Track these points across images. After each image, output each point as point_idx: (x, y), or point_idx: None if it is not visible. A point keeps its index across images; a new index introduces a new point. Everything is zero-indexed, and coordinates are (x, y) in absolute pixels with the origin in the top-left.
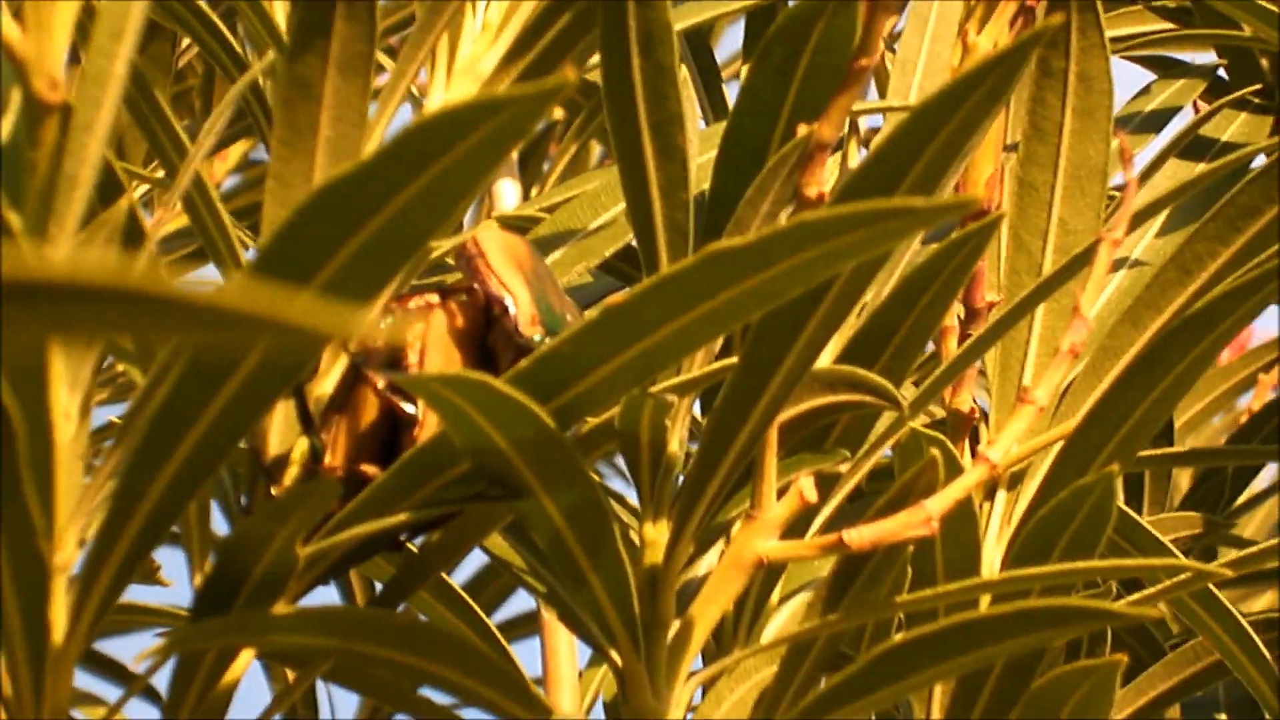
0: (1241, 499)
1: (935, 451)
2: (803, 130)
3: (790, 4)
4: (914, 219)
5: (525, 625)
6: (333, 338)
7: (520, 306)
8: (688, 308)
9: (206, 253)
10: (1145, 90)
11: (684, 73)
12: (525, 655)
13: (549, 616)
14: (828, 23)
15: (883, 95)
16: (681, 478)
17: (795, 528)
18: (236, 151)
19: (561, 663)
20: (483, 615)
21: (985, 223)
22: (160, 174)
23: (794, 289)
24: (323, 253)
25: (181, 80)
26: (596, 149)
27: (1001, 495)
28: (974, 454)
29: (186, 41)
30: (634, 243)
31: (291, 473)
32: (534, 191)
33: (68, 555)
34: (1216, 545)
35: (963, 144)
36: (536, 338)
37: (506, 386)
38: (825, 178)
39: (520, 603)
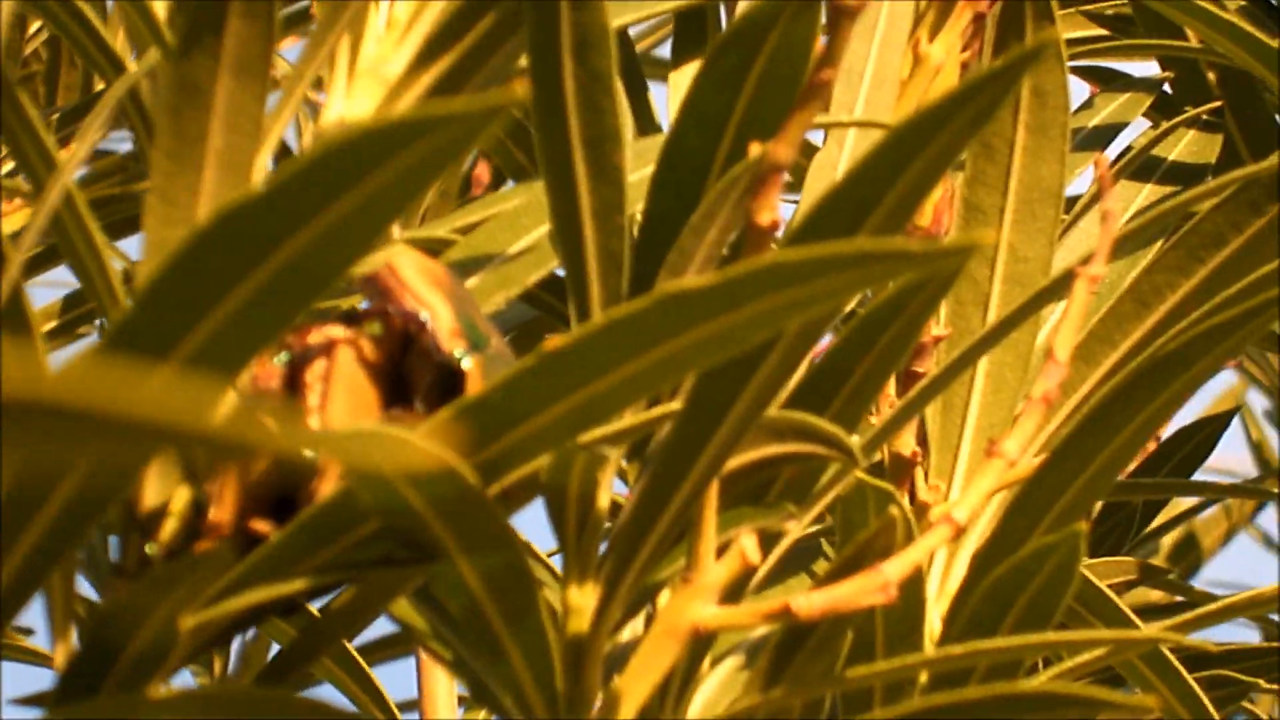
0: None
1: (895, 511)
2: (755, 149)
3: (723, 6)
4: (906, 263)
5: (398, 645)
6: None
7: (440, 320)
8: (638, 354)
9: (73, 269)
10: (1088, 104)
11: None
12: (399, 676)
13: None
14: (785, 29)
15: (825, 108)
16: (608, 527)
17: (732, 586)
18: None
19: (440, 708)
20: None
21: (954, 252)
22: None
23: (755, 336)
24: (222, 286)
25: (25, 66)
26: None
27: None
28: (912, 499)
29: (35, 27)
30: (559, 270)
31: (170, 527)
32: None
33: None
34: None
35: (939, 173)
36: (458, 353)
37: (425, 442)
38: (778, 204)
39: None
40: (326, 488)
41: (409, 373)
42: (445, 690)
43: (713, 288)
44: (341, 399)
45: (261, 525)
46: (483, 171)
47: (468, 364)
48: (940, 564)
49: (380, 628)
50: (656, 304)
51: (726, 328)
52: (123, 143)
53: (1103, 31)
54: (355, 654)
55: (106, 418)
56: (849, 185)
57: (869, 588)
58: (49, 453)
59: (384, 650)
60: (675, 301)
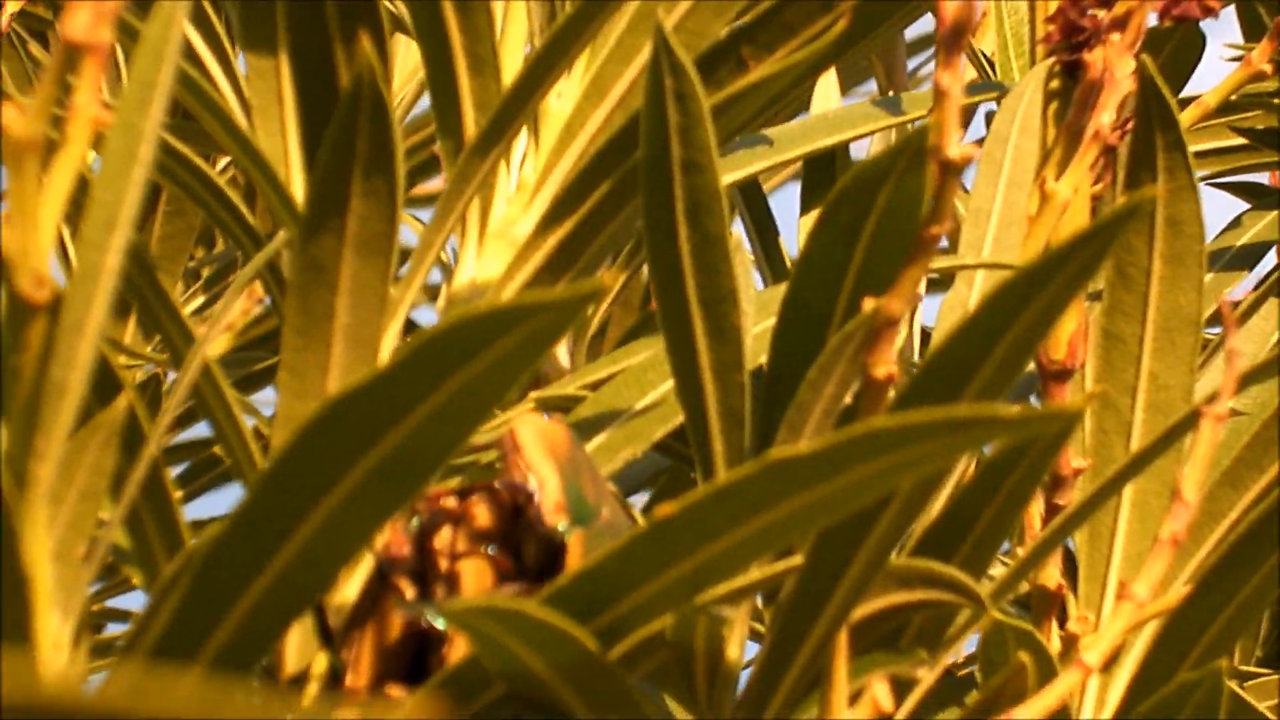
0: None
1: (1025, 657)
2: (869, 305)
3: (851, 154)
4: (998, 429)
5: None
6: None
7: (546, 493)
8: (745, 520)
9: (213, 432)
10: (1235, 223)
11: (737, 232)
12: None
13: None
14: (895, 185)
15: (954, 247)
16: (743, 677)
17: None
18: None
19: None
20: None
21: (1048, 418)
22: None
23: (860, 500)
24: (336, 470)
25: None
26: None
27: (1094, 679)
28: (1061, 625)
29: (222, 163)
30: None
31: (310, 693)
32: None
33: None
34: None
35: (1046, 328)
36: (561, 526)
37: (544, 611)
38: (894, 357)
39: None
40: (457, 652)
41: (519, 543)
42: None
43: (815, 455)
44: (468, 565)
45: (396, 690)
46: None
47: (570, 539)
48: (1094, 693)
49: None
50: (759, 472)
51: (831, 493)
52: None
53: (1241, 140)
54: None
55: None
56: (954, 345)
57: None
58: None
59: None
60: (779, 469)
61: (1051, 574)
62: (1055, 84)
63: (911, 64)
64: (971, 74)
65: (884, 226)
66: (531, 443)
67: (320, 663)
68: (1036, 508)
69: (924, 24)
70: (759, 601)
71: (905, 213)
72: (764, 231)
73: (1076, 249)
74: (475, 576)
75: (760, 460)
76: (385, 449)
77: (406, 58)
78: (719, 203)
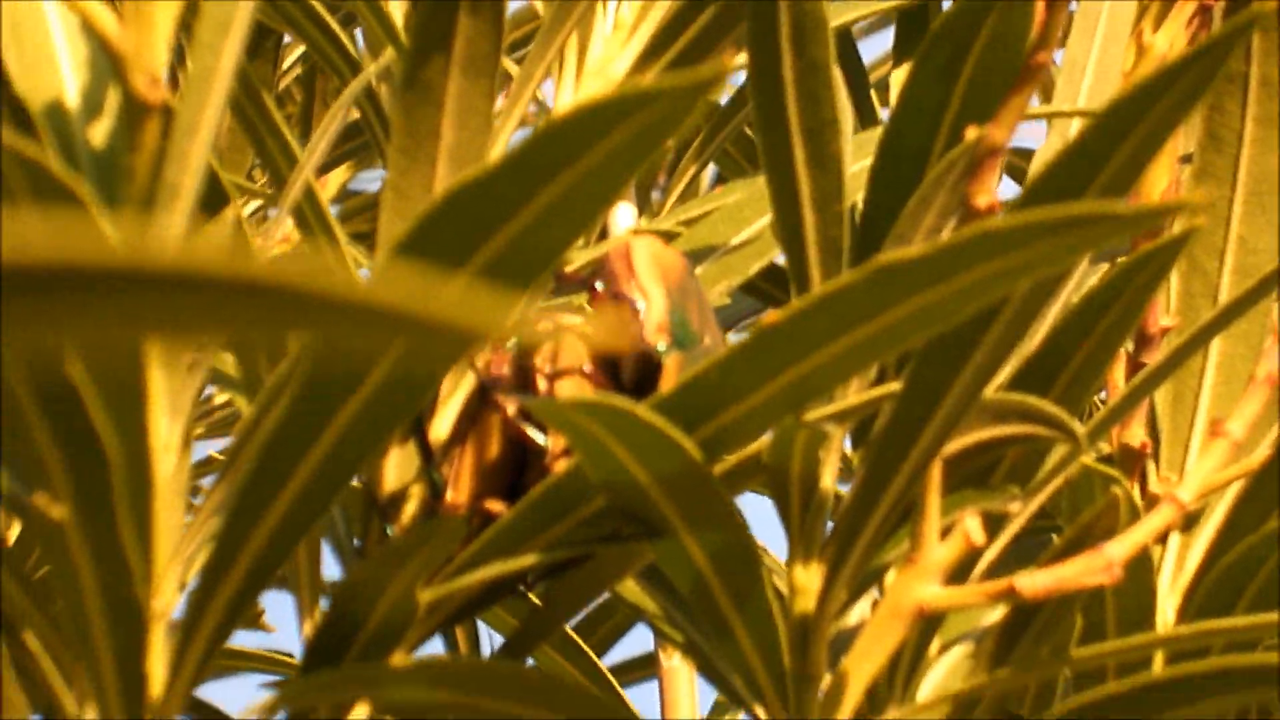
0: None
1: (1118, 491)
2: (971, 133)
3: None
4: (1114, 225)
5: (641, 668)
6: (485, 336)
7: (651, 311)
8: (851, 328)
9: None
10: None
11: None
12: (642, 701)
13: (668, 662)
14: (999, 18)
15: (1047, 101)
16: (832, 516)
17: (957, 571)
18: (335, 180)
19: (681, 712)
20: (605, 671)
21: (1174, 239)
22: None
23: (971, 307)
24: (447, 267)
25: (280, 106)
26: (707, 176)
27: (1175, 537)
28: (1143, 492)
29: (287, 63)
30: (780, 260)
31: (409, 510)
32: (642, 222)
33: (167, 600)
34: None
35: (1152, 153)
36: (661, 346)
37: (651, 415)
38: (996, 186)
39: (635, 643)
40: (557, 469)
41: (617, 361)
42: (688, 710)
43: (925, 258)
44: (565, 384)
45: (495, 505)
46: None
47: (667, 359)
48: (1174, 555)
49: (619, 652)
50: (870, 276)
51: (940, 298)
52: (373, 183)
53: None
54: (593, 656)
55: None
56: (1059, 167)
57: (1093, 568)
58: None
59: (626, 674)
60: (889, 273)
61: (1136, 432)
62: None
63: None
64: None
65: (986, 61)
66: (645, 259)
67: (420, 481)
68: (1120, 368)
69: None
70: (849, 449)
71: (1009, 47)
72: (855, 85)
73: (1192, 62)
74: (577, 388)
75: (868, 265)
76: (500, 243)
77: None
78: (824, 29)
